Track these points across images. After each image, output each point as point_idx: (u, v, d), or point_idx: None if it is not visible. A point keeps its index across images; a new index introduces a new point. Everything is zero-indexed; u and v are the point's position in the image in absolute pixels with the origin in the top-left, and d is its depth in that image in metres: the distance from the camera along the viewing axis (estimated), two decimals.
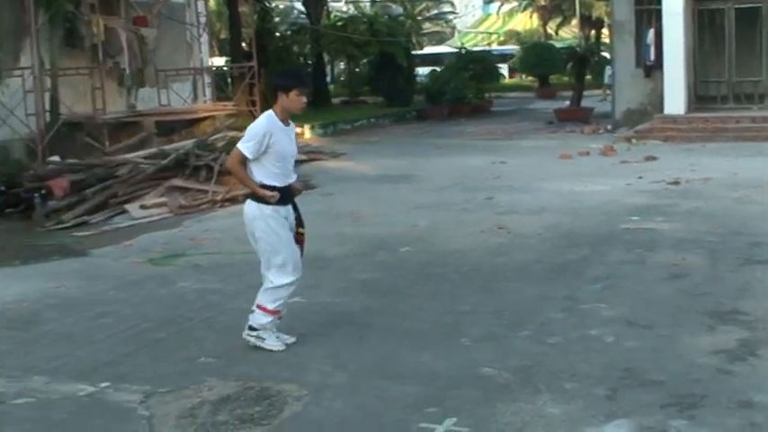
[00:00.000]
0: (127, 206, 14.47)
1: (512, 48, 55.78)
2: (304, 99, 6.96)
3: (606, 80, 41.21)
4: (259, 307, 7.06)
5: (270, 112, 7.01)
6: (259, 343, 7.06)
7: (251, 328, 7.11)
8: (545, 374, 6.40)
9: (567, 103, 32.57)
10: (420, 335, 7.49)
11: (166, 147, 17.06)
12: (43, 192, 14.61)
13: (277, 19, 41.01)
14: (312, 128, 28.50)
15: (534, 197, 14.46)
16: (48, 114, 18.65)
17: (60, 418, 5.98)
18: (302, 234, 7.20)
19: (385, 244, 11.26)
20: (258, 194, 6.88)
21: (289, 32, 38.52)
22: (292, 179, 7.09)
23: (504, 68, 48.80)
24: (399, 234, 11.86)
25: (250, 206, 6.99)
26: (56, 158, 16.97)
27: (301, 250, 7.21)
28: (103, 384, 6.59)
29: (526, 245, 10.91)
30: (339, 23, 39.07)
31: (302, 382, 6.45)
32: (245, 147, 6.84)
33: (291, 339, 7.35)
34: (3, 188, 15.29)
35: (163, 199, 14.74)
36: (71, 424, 5.87)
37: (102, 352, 7.39)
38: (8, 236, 13.28)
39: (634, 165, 17.84)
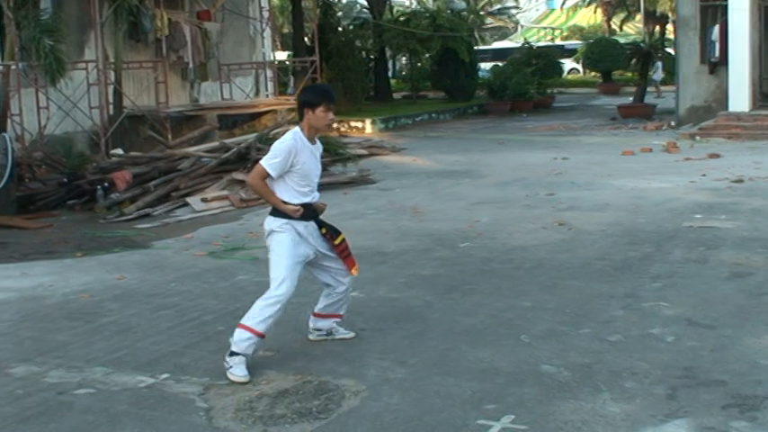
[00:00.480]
0: (188, 199, 14.57)
1: (575, 43, 55.33)
2: (331, 116, 6.79)
3: (654, 77, 40.89)
4: (243, 326, 6.61)
5: (296, 129, 6.80)
6: (227, 371, 6.54)
7: (231, 354, 6.59)
8: (605, 373, 6.32)
9: (631, 99, 32.22)
10: (480, 331, 7.44)
11: (228, 140, 17.15)
12: (106, 184, 14.78)
13: (340, 14, 41.04)
14: (373, 122, 28.55)
15: (596, 194, 14.32)
16: (111, 107, 18.85)
17: (120, 409, 6.01)
18: (339, 243, 6.97)
19: (445, 239, 11.22)
20: (281, 209, 6.70)
21: (351, 27, 38.55)
22: (315, 197, 6.89)
23: (567, 64, 48.41)
24: (460, 229, 11.81)
25: (268, 220, 6.81)
26: (119, 151, 17.15)
27: (344, 259, 7.01)
28: (163, 376, 6.63)
29: (588, 242, 10.80)
30: (402, 18, 39.02)
31: (360, 377, 6.44)
32: (269, 164, 6.64)
33: (350, 335, 7.35)
34: (66, 180, 15.48)
35: (224, 192, 14.82)
36: (130, 415, 5.90)
37: (162, 344, 7.44)
38: (71, 227, 13.43)
39: (697, 162, 17.61)
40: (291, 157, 6.63)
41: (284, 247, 6.68)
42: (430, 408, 5.81)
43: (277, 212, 6.75)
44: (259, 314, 6.56)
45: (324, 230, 6.92)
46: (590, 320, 7.60)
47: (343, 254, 7.01)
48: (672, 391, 5.94)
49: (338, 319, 7.32)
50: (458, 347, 7.01)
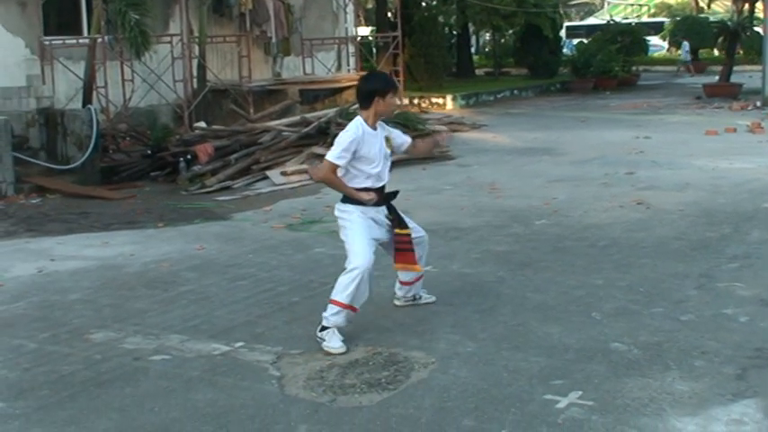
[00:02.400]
0: (268, 172, 14.75)
1: (661, 20, 54.52)
2: (396, 100, 6.89)
3: (683, 56, 40.22)
4: (331, 300, 6.73)
5: (358, 119, 6.85)
6: (320, 343, 6.64)
7: (322, 328, 6.70)
8: (675, 351, 6.30)
9: (717, 78, 31.69)
10: (551, 307, 7.45)
11: (309, 115, 17.28)
12: (189, 156, 15.02)
13: None
14: (454, 98, 28.50)
15: (677, 173, 14.17)
16: (195, 81, 19.11)
17: (194, 375, 6.16)
18: (403, 235, 7.01)
19: (521, 216, 11.22)
20: (355, 197, 6.80)
21: (434, 2, 38.43)
22: (385, 181, 6.96)
23: (654, 41, 47.69)
24: (536, 207, 11.79)
25: (339, 207, 6.94)
26: (202, 124, 17.39)
27: (404, 253, 7.05)
28: (238, 344, 6.77)
29: (666, 221, 10.71)
30: None
31: (430, 350, 6.50)
32: (335, 157, 6.73)
33: (432, 299, 7.60)
34: (150, 152, 15.77)
35: (303, 166, 14.96)
36: (203, 381, 6.04)
37: (237, 313, 7.59)
38: (154, 198, 13.69)
39: None
40: (355, 146, 6.72)
41: (357, 224, 6.80)
42: (497, 382, 5.86)
43: (348, 199, 6.87)
44: (342, 287, 6.66)
45: (392, 216, 7.01)
46: (663, 299, 7.57)
47: (400, 245, 7.03)
48: (741, 371, 5.91)
49: (420, 280, 7.47)
50: (528, 323, 7.04)
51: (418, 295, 7.59)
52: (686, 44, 40.85)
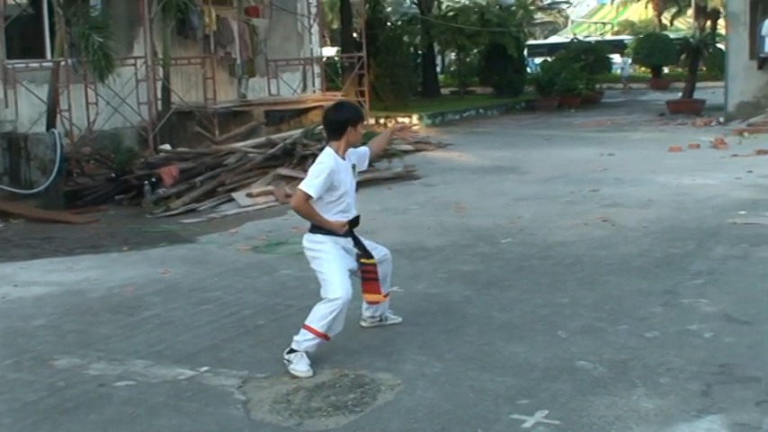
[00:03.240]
0: (234, 194, 14.72)
1: (624, 38, 55.01)
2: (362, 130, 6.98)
3: (620, 72, 40.82)
4: (304, 326, 6.68)
5: (329, 150, 6.84)
6: (288, 366, 6.58)
7: (290, 351, 6.65)
8: (640, 369, 6.33)
9: (680, 94, 31.97)
10: (517, 326, 7.47)
11: (274, 136, 17.28)
12: (153, 179, 14.96)
13: (389, 9, 41.08)
14: (420, 118, 28.59)
15: (641, 190, 14.26)
16: (159, 103, 19.06)
17: (159, 401, 6.11)
18: (368, 265, 6.99)
19: (486, 235, 11.25)
20: (326, 226, 6.77)
21: (399, 23, 38.58)
22: (353, 213, 6.96)
23: (616, 59, 48.12)
24: (501, 225, 11.82)
25: (309, 237, 6.89)
26: (166, 147, 17.34)
27: (370, 282, 7.04)
28: (203, 369, 6.73)
29: (630, 238, 10.77)
30: (450, 14, 39.01)
31: (397, 371, 6.49)
32: (308, 186, 6.68)
33: (398, 320, 7.60)
34: (114, 175, 15.69)
35: (269, 188, 14.94)
36: (168, 407, 6.00)
37: (202, 337, 7.54)
38: (118, 222, 13.61)
39: (745, 158, 17.46)
40: (331, 178, 6.70)
41: (331, 255, 6.76)
42: (464, 402, 5.86)
43: (318, 229, 6.84)
44: (320, 316, 6.62)
45: (357, 246, 7.00)
46: (627, 317, 7.60)
47: (366, 275, 7.03)
48: (706, 387, 5.94)
49: (386, 300, 7.44)
50: (494, 343, 7.05)
51: (384, 316, 7.58)
52: (627, 60, 41.60)
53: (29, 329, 7.98)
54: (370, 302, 7.32)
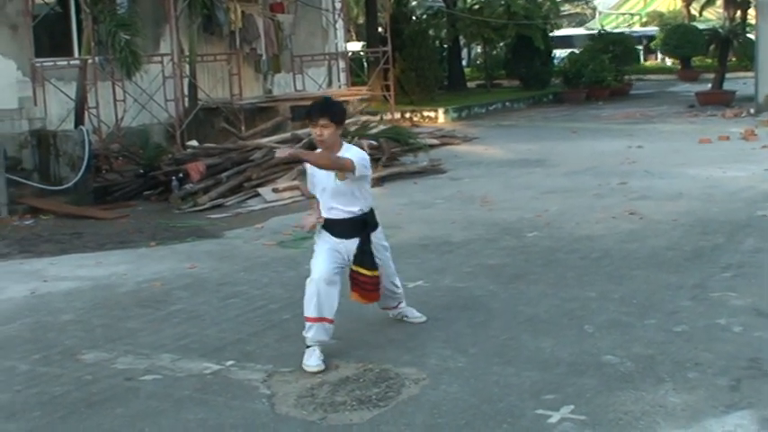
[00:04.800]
0: (260, 189, 14.75)
1: (650, 29, 54.65)
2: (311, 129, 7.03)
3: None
4: (304, 318, 6.79)
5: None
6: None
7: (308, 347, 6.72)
8: (668, 364, 6.29)
9: (709, 86, 31.71)
10: (543, 321, 7.44)
11: (300, 131, 17.27)
12: (181, 175, 15.00)
13: (414, 3, 40.96)
14: (446, 112, 28.51)
15: (670, 182, 14.17)
16: (186, 100, 19.09)
17: (184, 394, 6.14)
18: (367, 276, 6.91)
19: (513, 229, 11.21)
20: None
21: (425, 16, 38.45)
22: (332, 214, 6.88)
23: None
24: (528, 219, 11.78)
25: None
26: (193, 143, 17.38)
27: (354, 285, 6.99)
28: (229, 363, 6.76)
29: (658, 231, 10.71)
30: (476, 7, 38.78)
31: (421, 366, 6.49)
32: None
33: (422, 318, 7.52)
34: (142, 171, 15.75)
35: (295, 182, 14.94)
36: (194, 401, 6.03)
37: (229, 331, 7.57)
38: (146, 217, 13.66)
39: None
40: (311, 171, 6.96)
41: (318, 245, 6.95)
42: (488, 397, 5.84)
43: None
44: (306, 302, 6.74)
45: (360, 251, 6.91)
46: (656, 311, 7.56)
47: (357, 280, 6.97)
48: (735, 383, 5.89)
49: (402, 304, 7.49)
50: (519, 337, 7.02)
51: (404, 314, 7.54)
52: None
53: (57, 324, 8.03)
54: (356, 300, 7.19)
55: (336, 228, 6.89)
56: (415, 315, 7.55)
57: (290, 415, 5.75)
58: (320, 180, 6.88)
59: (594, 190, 13.86)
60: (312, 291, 6.69)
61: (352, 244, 6.87)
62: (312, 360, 6.57)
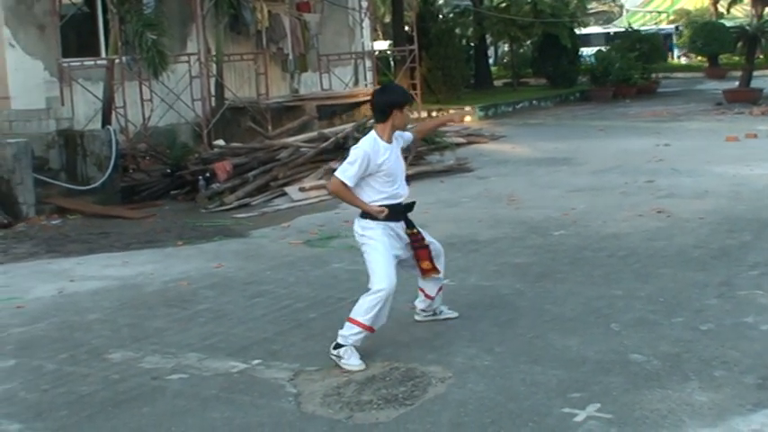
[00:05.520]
0: (287, 189, 14.78)
1: (667, 27, 54.41)
2: (409, 114, 6.84)
3: None
4: (349, 319, 6.69)
5: (372, 133, 6.80)
6: (338, 361, 6.59)
7: (336, 346, 6.66)
8: (695, 362, 6.26)
9: (737, 83, 31.51)
10: (569, 319, 7.42)
11: (326, 130, 17.31)
12: (208, 174, 15.05)
13: (440, 1, 40.92)
14: (473, 110, 28.43)
15: (697, 180, 14.10)
16: (213, 99, 19.16)
17: (211, 393, 6.16)
18: (412, 234, 6.93)
19: (539, 227, 11.18)
20: (366, 210, 6.74)
21: (451, 15, 38.41)
22: (403, 196, 6.88)
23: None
24: (554, 217, 11.75)
25: (359, 223, 6.85)
26: (220, 142, 17.44)
27: (420, 250, 6.98)
28: (255, 362, 6.78)
29: (685, 229, 10.66)
30: (502, 5, 38.71)
31: (447, 364, 6.48)
32: (344, 174, 6.65)
33: (454, 314, 7.53)
34: (169, 171, 15.83)
35: (321, 182, 14.96)
36: (221, 400, 6.05)
37: (255, 330, 7.59)
38: (173, 217, 13.73)
39: None
40: (366, 162, 6.63)
41: (379, 243, 6.72)
42: (515, 395, 5.83)
43: (366, 214, 6.80)
44: (365, 309, 6.62)
45: (410, 230, 6.92)
46: (683, 309, 7.52)
47: (415, 244, 6.96)
48: (762, 381, 5.86)
49: (440, 292, 7.44)
50: (546, 335, 7.01)
51: (439, 310, 7.55)
52: None
53: (84, 323, 8.08)
54: (429, 284, 7.25)
55: (399, 211, 6.86)
56: (447, 311, 7.58)
57: (316, 414, 5.76)
58: (389, 163, 6.76)
59: (621, 188, 13.81)
60: (378, 300, 6.59)
61: (401, 227, 6.90)
62: (354, 359, 6.56)
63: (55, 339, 7.65)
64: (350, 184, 6.67)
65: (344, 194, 6.75)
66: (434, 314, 7.54)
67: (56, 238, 12.30)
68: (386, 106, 6.78)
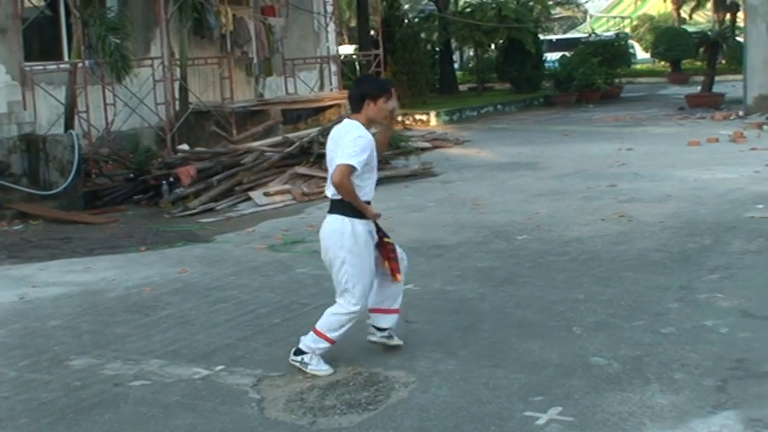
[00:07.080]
0: (251, 193, 14.74)
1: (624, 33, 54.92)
2: (390, 105, 6.53)
3: None
4: (316, 331, 6.56)
5: (358, 123, 6.47)
6: (303, 368, 6.52)
7: (297, 353, 6.59)
8: (655, 365, 6.32)
9: (699, 88, 31.76)
10: (532, 323, 7.47)
11: (291, 135, 17.28)
12: (171, 179, 14.99)
13: (406, 6, 41.01)
14: (438, 115, 28.53)
15: (659, 185, 14.21)
16: (177, 103, 19.09)
17: (173, 400, 6.15)
18: (389, 244, 6.71)
19: (503, 232, 11.23)
20: (363, 210, 6.42)
21: (416, 20, 38.48)
22: (372, 195, 6.62)
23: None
24: (518, 222, 11.81)
25: (340, 221, 6.45)
26: (184, 147, 17.36)
27: (391, 262, 6.69)
28: (218, 368, 6.77)
29: (647, 233, 10.74)
30: (467, 10, 38.86)
31: (411, 369, 6.50)
32: (356, 159, 6.27)
33: (400, 342, 7.01)
34: (132, 175, 15.74)
35: (286, 186, 14.96)
36: (183, 406, 6.03)
37: (218, 336, 7.57)
38: (136, 222, 13.64)
39: (764, 152, 17.32)
40: (368, 152, 6.36)
41: (361, 257, 6.46)
42: (477, 399, 5.86)
43: (343, 211, 6.45)
44: (335, 325, 6.53)
45: (389, 241, 6.74)
46: (643, 312, 7.59)
47: (390, 255, 6.71)
48: (722, 383, 5.93)
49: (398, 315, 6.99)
50: (508, 339, 7.05)
51: (390, 334, 7.02)
52: None
53: (46, 330, 8.03)
54: (383, 319, 6.88)
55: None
56: (396, 340, 7.03)
57: (279, 419, 5.76)
58: (375, 160, 6.52)
59: (584, 192, 13.89)
60: (349, 320, 6.51)
61: (370, 223, 6.63)
62: (322, 365, 6.51)
63: (16, 346, 7.59)
64: (358, 168, 6.28)
65: (349, 186, 6.31)
66: (388, 336, 6.99)
67: (17, 244, 12.20)
68: (359, 97, 6.54)
